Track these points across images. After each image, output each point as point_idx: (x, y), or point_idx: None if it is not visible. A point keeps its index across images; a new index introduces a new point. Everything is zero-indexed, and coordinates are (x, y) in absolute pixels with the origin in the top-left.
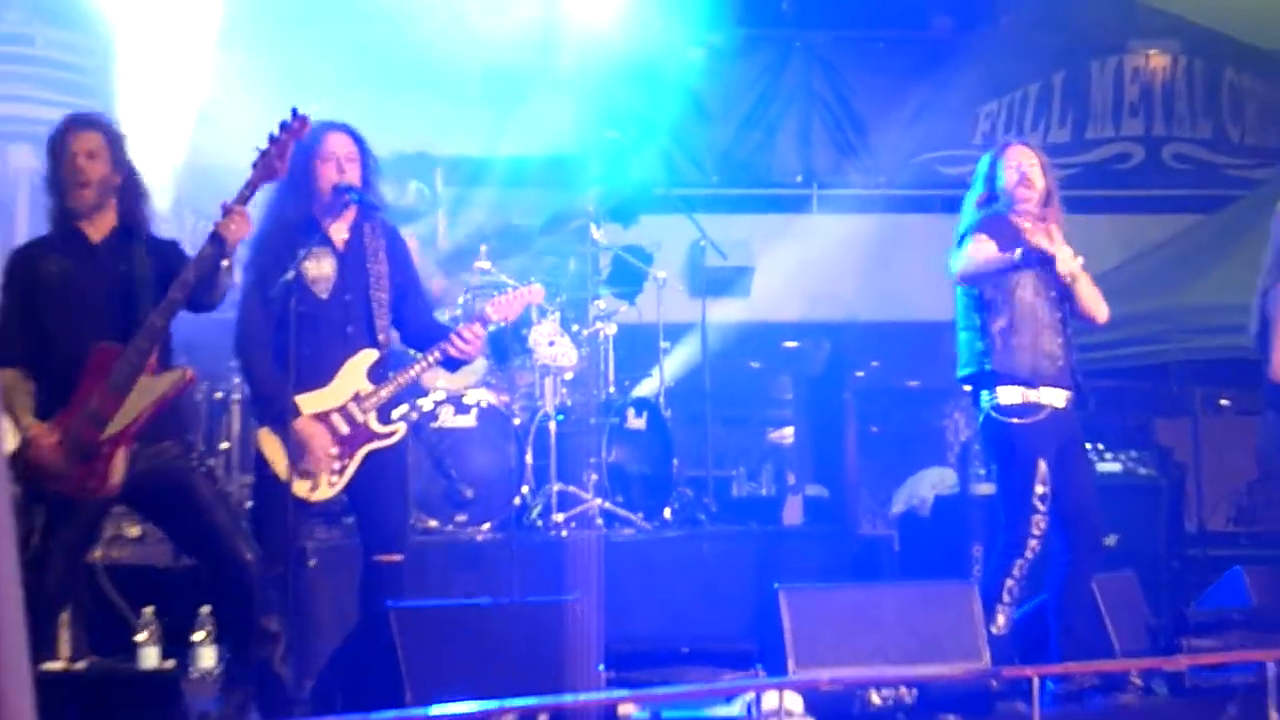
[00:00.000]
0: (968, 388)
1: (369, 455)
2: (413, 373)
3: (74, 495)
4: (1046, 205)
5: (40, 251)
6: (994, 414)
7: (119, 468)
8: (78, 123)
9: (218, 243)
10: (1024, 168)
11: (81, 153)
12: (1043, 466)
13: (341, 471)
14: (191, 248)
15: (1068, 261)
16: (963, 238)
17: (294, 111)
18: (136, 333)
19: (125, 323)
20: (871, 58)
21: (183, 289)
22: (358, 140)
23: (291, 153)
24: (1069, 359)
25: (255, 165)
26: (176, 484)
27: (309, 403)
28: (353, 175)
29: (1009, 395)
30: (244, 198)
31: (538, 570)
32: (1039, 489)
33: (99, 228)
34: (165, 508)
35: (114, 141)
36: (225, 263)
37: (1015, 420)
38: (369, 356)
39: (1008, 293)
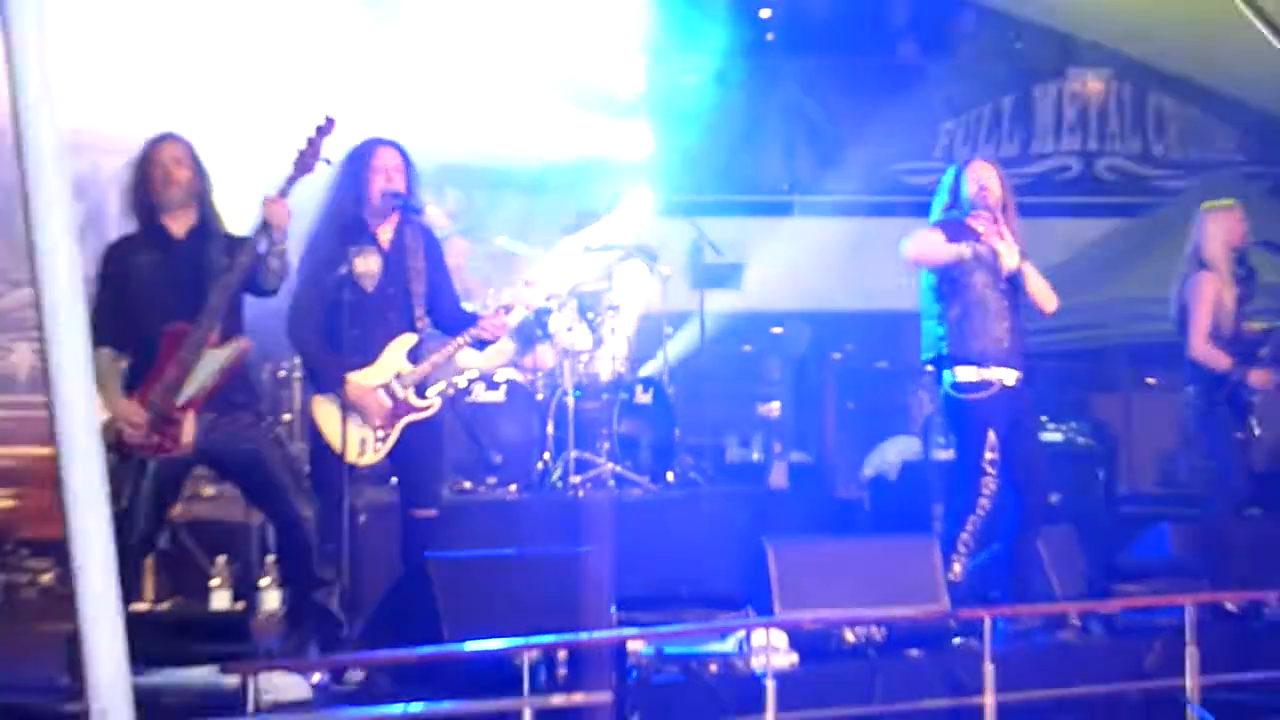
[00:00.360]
0: (930, 368)
1: (408, 425)
2: (446, 353)
3: (153, 457)
4: (1003, 213)
5: (130, 245)
6: (952, 391)
7: (189, 430)
8: (165, 136)
9: (265, 229)
10: (984, 180)
11: (169, 159)
12: (992, 436)
13: (385, 440)
14: None
15: (1007, 257)
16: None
17: (327, 117)
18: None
19: (200, 307)
20: (846, 82)
21: (238, 270)
22: (403, 154)
23: (343, 168)
24: (1017, 343)
25: (295, 163)
26: (248, 449)
27: (357, 379)
28: (399, 185)
29: (965, 374)
30: (284, 191)
31: (557, 525)
32: (989, 455)
33: (181, 225)
34: (238, 470)
35: (194, 152)
36: (279, 247)
37: (969, 396)
38: (408, 340)
39: (962, 286)
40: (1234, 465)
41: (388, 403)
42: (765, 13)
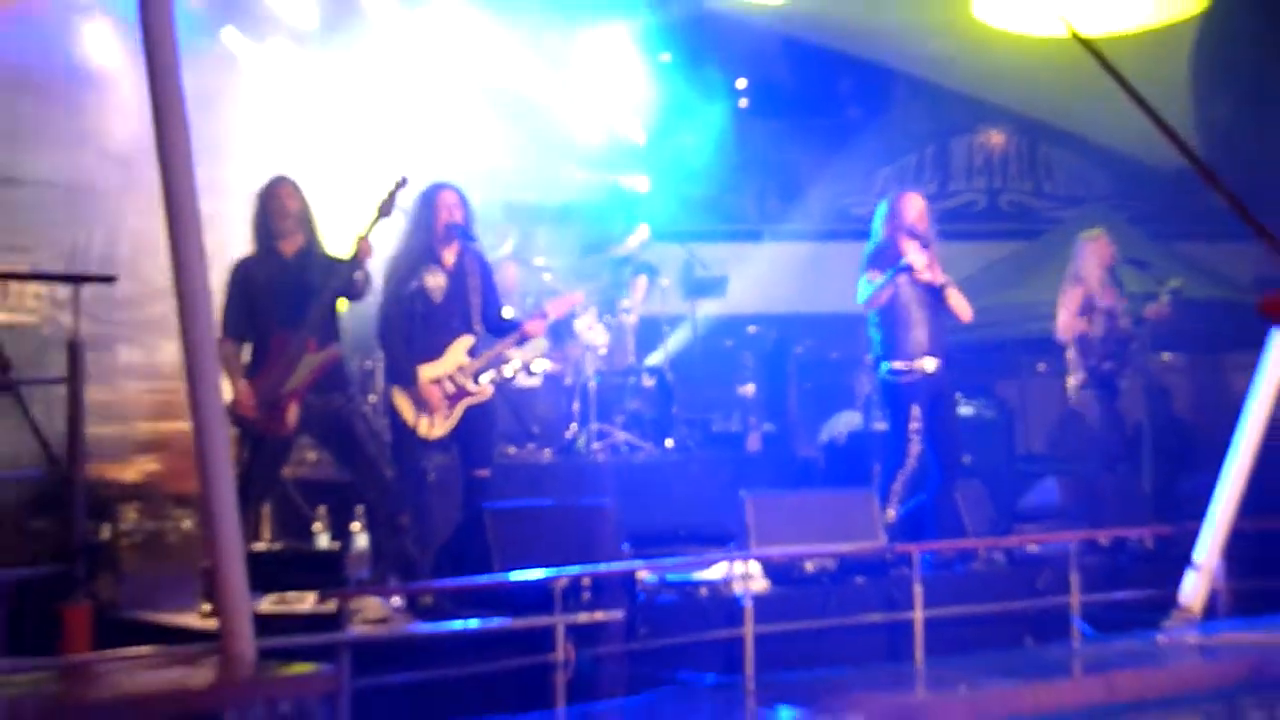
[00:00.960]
0: (870, 359)
1: (468, 407)
2: (496, 350)
3: (265, 433)
4: (927, 235)
5: (254, 261)
6: (886, 377)
7: (292, 415)
8: (280, 178)
9: (356, 260)
10: (920, 208)
11: (284, 193)
12: (915, 410)
13: (449, 417)
14: None
15: (922, 271)
16: (862, 270)
17: (402, 176)
18: (304, 323)
19: (304, 313)
20: (805, 136)
21: (331, 294)
22: (461, 195)
23: (417, 206)
24: (937, 339)
25: (378, 208)
26: (342, 423)
27: (427, 371)
28: (458, 218)
29: (894, 365)
30: (369, 230)
31: (582, 482)
32: (913, 425)
33: (291, 247)
34: (334, 440)
35: (301, 190)
36: (359, 274)
37: (898, 380)
38: (467, 341)
39: (893, 297)
40: (1106, 432)
41: (450, 389)
42: (741, 83)
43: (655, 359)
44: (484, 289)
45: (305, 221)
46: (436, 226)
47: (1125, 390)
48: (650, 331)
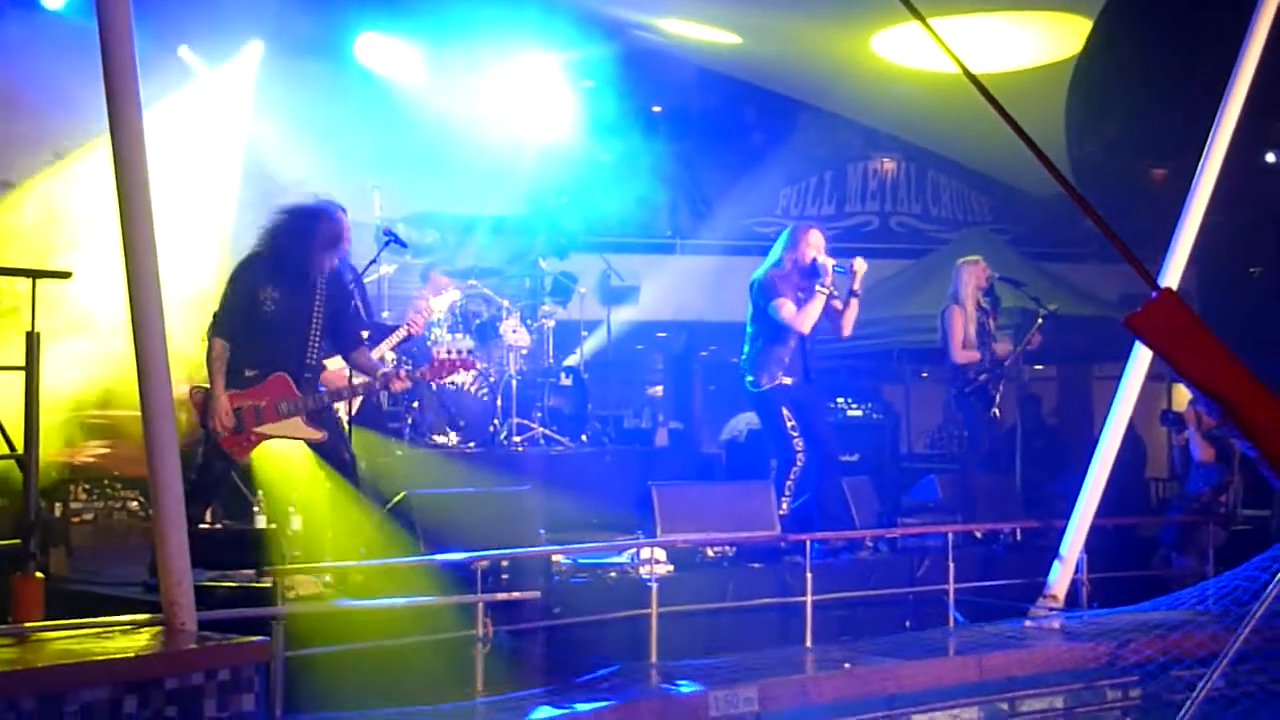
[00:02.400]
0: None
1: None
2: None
3: (223, 448)
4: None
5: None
6: (749, 388)
7: (252, 450)
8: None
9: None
10: (818, 249)
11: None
12: (786, 411)
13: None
14: None
15: (822, 292)
16: (769, 294)
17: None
18: (314, 379)
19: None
20: (715, 158)
21: (348, 394)
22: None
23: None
24: (800, 358)
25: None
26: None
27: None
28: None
29: (754, 378)
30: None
31: (504, 470)
32: (789, 423)
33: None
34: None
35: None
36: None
37: (759, 390)
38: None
39: (765, 324)
40: (981, 435)
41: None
42: (657, 109)
43: (572, 360)
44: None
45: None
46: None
47: (998, 399)
48: (568, 335)
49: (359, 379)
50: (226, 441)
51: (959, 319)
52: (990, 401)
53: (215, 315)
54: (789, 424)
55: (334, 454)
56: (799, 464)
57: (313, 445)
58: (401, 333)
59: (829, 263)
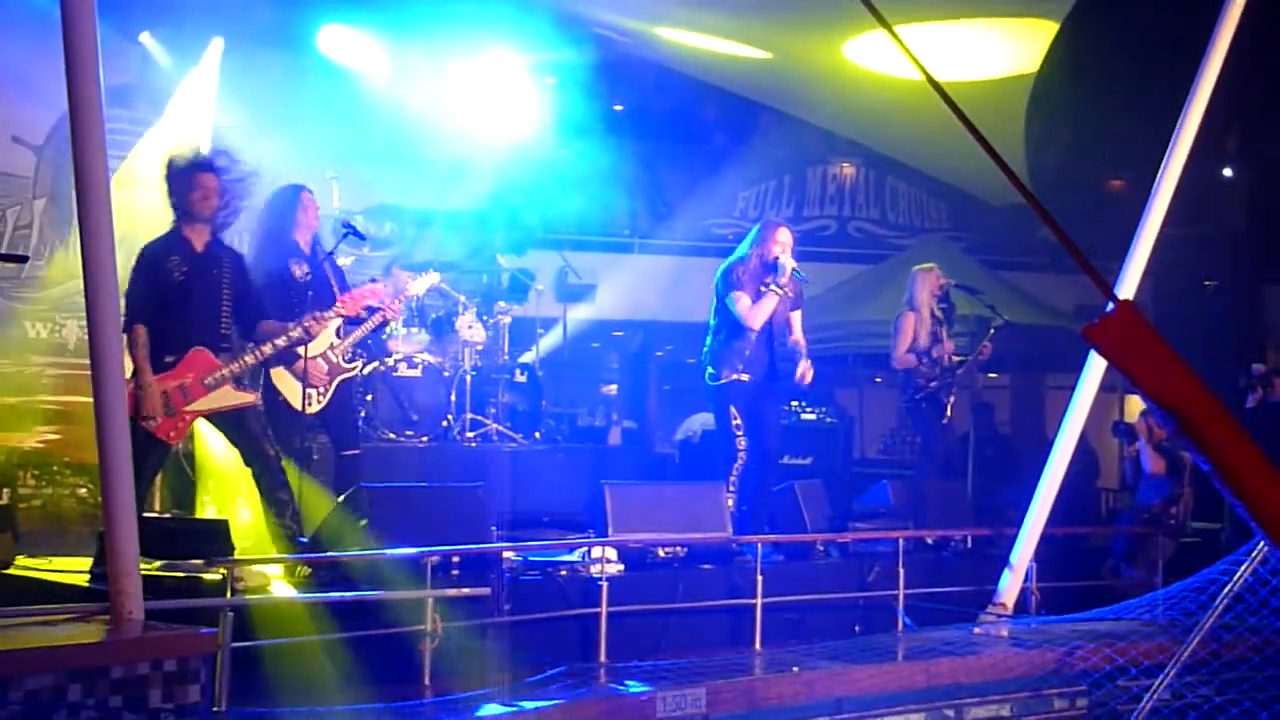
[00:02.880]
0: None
1: (340, 383)
2: (363, 331)
3: (155, 436)
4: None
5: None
6: (708, 380)
7: (186, 431)
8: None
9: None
10: (786, 246)
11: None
12: (734, 409)
13: (326, 394)
14: None
15: (776, 293)
16: (729, 286)
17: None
18: (232, 350)
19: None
20: (675, 159)
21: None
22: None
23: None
24: (759, 353)
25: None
26: (236, 415)
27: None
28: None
29: (715, 371)
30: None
31: (457, 467)
32: (734, 421)
33: (200, 241)
34: (225, 426)
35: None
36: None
37: (717, 383)
38: (335, 322)
39: (724, 320)
40: (933, 442)
41: (324, 367)
42: (619, 107)
43: (528, 357)
44: (337, 275)
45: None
46: (299, 220)
47: (950, 406)
48: (524, 331)
49: (280, 339)
50: (160, 428)
51: (909, 324)
52: (942, 409)
53: (127, 303)
54: (734, 422)
55: (250, 442)
56: (740, 461)
57: (230, 433)
58: (378, 317)
59: (789, 265)
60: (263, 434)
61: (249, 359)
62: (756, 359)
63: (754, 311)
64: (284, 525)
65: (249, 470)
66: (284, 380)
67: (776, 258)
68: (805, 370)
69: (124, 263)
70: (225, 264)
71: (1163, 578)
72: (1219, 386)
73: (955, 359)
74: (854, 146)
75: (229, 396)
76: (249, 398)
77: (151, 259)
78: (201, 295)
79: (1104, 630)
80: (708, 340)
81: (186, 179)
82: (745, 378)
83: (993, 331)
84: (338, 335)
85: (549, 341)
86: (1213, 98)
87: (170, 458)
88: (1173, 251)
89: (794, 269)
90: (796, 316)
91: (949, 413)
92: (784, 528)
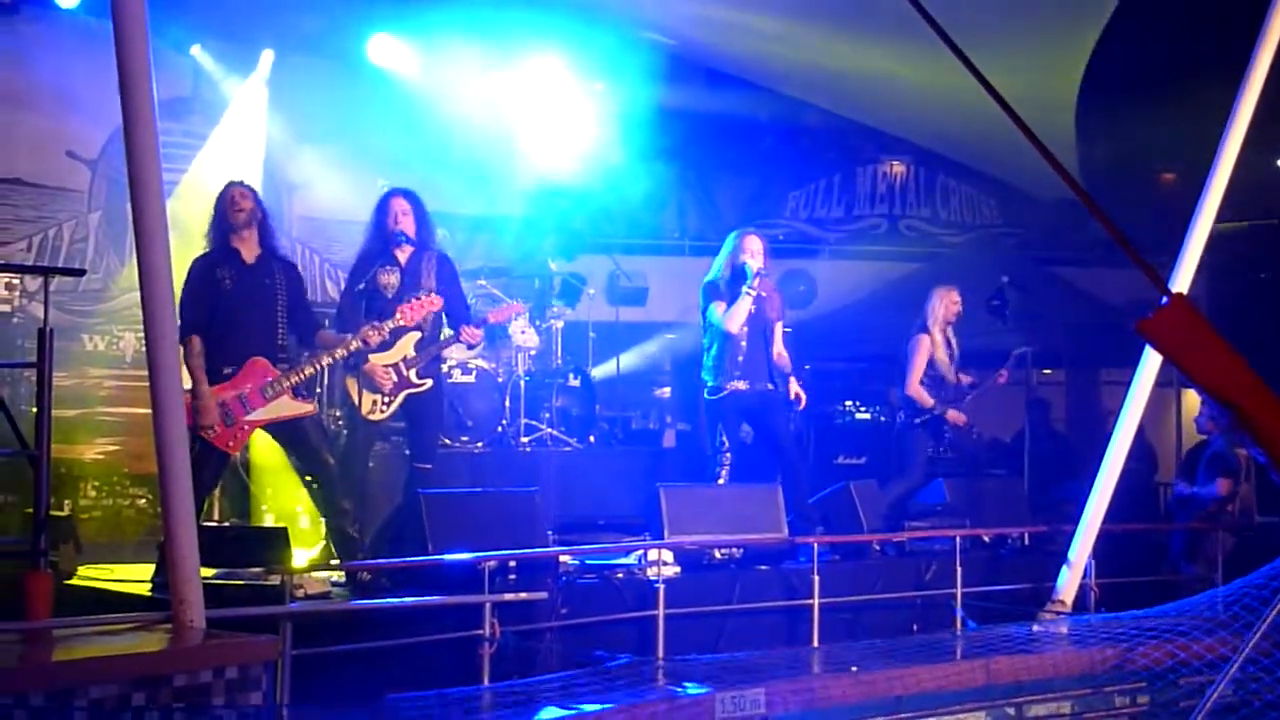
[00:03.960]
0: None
1: (409, 396)
2: (440, 347)
3: (214, 445)
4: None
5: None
6: (705, 395)
7: (246, 441)
8: (235, 183)
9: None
10: (754, 253)
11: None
12: (720, 426)
13: (391, 404)
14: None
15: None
16: (708, 298)
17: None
18: (290, 360)
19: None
20: (724, 160)
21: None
22: (412, 200)
23: (374, 210)
24: (755, 363)
25: None
26: (294, 426)
27: (378, 358)
28: (406, 225)
29: (711, 384)
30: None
31: (512, 472)
32: (721, 438)
33: (250, 253)
34: (287, 440)
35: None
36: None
37: (711, 398)
38: (415, 335)
39: (717, 331)
40: (916, 467)
41: (394, 378)
42: (666, 109)
43: (602, 371)
44: (440, 290)
45: (261, 221)
46: (389, 228)
47: (948, 437)
48: (577, 336)
49: (339, 350)
50: (219, 439)
51: (924, 348)
52: (941, 435)
53: (180, 317)
54: (720, 439)
55: (308, 451)
56: (722, 476)
57: (287, 443)
58: (461, 339)
59: (752, 265)
60: (322, 443)
61: (308, 369)
62: (754, 365)
63: (729, 315)
64: (346, 532)
65: (310, 480)
66: (353, 386)
67: (743, 264)
68: (796, 391)
69: (180, 275)
70: (278, 274)
71: (1223, 574)
72: (1275, 379)
73: (966, 380)
74: (904, 144)
75: (287, 406)
76: (307, 408)
77: (200, 271)
78: (255, 306)
79: (1165, 626)
80: (704, 358)
81: (222, 195)
82: (744, 385)
83: (1012, 359)
84: (416, 349)
85: (629, 359)
86: (1265, 89)
87: (229, 466)
88: (1227, 244)
89: (757, 269)
90: (779, 329)
91: (946, 447)
92: (840, 528)
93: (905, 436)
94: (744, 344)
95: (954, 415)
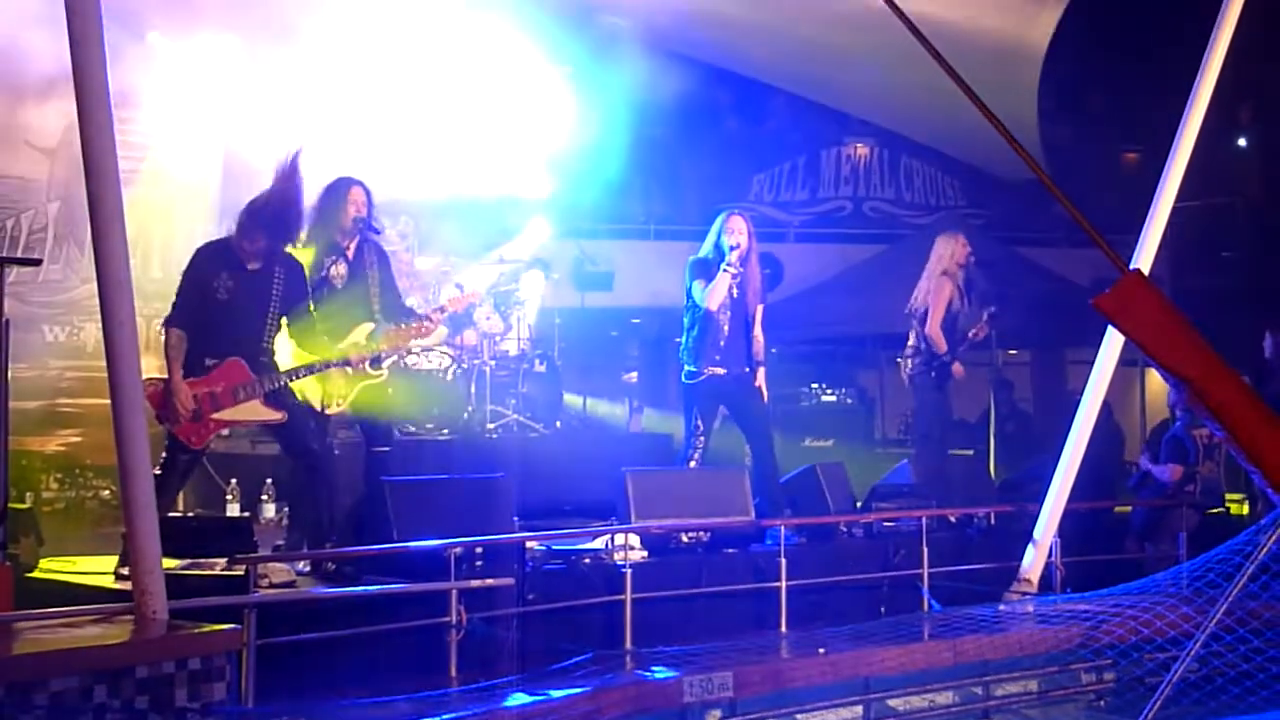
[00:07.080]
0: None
1: (365, 387)
2: (394, 339)
3: (181, 439)
4: (748, 253)
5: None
6: (683, 379)
7: (210, 437)
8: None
9: None
10: (737, 233)
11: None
12: (695, 410)
13: (346, 397)
14: None
15: (728, 271)
16: (691, 277)
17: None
18: (270, 367)
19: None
20: (688, 144)
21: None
22: (366, 190)
23: (323, 199)
24: (734, 348)
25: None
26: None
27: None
28: (363, 213)
29: (689, 368)
30: None
31: (477, 458)
32: (696, 423)
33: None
34: (274, 429)
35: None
36: None
37: (689, 382)
38: (366, 327)
39: (698, 314)
40: (935, 415)
41: (348, 371)
42: (631, 94)
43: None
44: (383, 279)
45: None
46: (343, 220)
47: (961, 380)
48: (542, 321)
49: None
50: (183, 430)
51: (946, 290)
52: (947, 381)
53: (173, 305)
54: (696, 423)
55: (295, 438)
56: (696, 452)
57: (274, 429)
58: (415, 332)
59: (728, 242)
60: (308, 431)
61: (282, 378)
62: (733, 350)
63: (708, 292)
64: (316, 520)
65: (294, 465)
66: (308, 380)
67: (722, 242)
68: (759, 381)
69: (140, 262)
70: (279, 277)
71: (1187, 551)
72: (1233, 356)
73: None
74: (867, 126)
75: (256, 411)
76: (276, 415)
77: (200, 268)
78: (247, 308)
79: (1129, 603)
80: (683, 339)
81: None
82: (722, 371)
83: (986, 316)
84: (368, 339)
85: (567, 330)
86: (1225, 68)
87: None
88: (1188, 223)
89: (732, 245)
90: (759, 311)
91: (963, 387)
92: (806, 510)
93: (923, 384)
94: (726, 329)
95: (957, 368)
